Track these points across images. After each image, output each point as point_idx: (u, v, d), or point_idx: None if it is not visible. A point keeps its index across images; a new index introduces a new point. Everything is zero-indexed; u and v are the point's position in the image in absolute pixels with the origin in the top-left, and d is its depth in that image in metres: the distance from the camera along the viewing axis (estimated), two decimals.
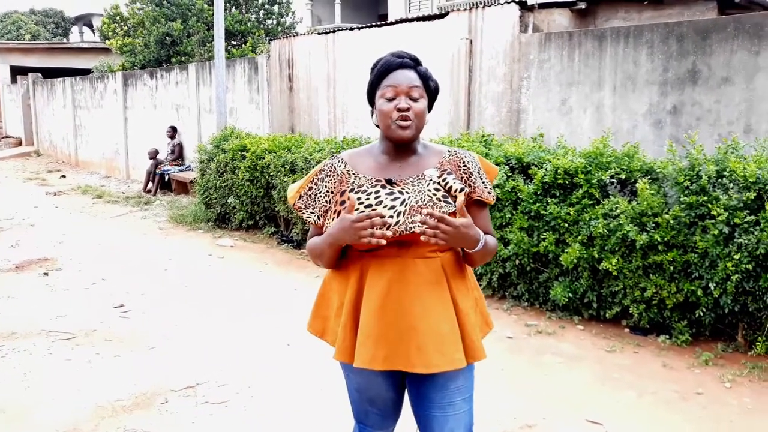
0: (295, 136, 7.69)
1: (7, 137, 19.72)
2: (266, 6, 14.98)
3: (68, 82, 15.41)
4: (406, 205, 1.80)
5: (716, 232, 3.82)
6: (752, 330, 4.03)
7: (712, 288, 3.89)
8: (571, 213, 4.46)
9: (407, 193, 1.83)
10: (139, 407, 3.42)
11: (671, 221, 4.02)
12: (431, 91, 1.87)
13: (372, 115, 1.91)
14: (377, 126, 1.87)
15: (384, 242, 1.74)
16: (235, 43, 14.32)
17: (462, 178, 1.89)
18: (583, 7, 6.73)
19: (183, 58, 13.51)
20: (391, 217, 1.78)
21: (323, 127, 8.83)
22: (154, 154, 11.45)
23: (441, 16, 7.13)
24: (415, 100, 1.81)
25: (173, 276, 5.98)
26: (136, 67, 14.12)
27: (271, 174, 7.03)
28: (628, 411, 3.37)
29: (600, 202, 4.45)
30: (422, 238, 1.71)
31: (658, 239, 4.03)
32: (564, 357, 4.06)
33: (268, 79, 9.75)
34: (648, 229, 4.12)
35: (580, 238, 4.41)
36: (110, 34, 14.98)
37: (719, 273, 3.83)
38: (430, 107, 1.88)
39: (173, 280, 5.85)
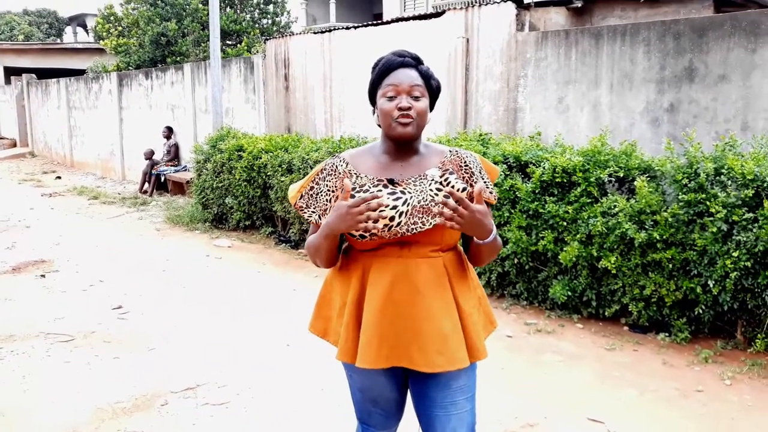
0: (292, 135, 7.68)
1: (1, 138, 19.64)
2: (261, 5, 14.95)
3: (63, 82, 15.36)
4: (408, 205, 1.79)
5: (715, 229, 3.83)
6: (751, 327, 4.04)
7: (711, 285, 3.90)
8: (570, 211, 4.46)
9: (409, 193, 1.82)
10: (139, 409, 3.40)
11: (670, 219, 4.03)
12: (433, 90, 1.86)
13: (374, 115, 1.90)
14: (379, 126, 1.86)
15: (380, 226, 1.72)
16: (230, 42, 14.28)
17: (464, 177, 1.88)
18: (580, 5, 6.74)
19: (178, 58, 13.47)
20: (393, 217, 1.77)
21: (320, 126, 8.82)
22: (149, 155, 11.42)
23: (437, 14, 7.13)
24: (416, 98, 1.80)
25: (171, 277, 5.96)
26: (131, 68, 14.07)
27: (268, 174, 7.02)
28: (629, 409, 3.37)
29: (598, 200, 4.46)
30: (438, 219, 1.69)
31: (657, 237, 4.04)
32: (564, 355, 4.06)
33: (264, 78, 9.74)
34: (647, 227, 4.12)
35: (578, 236, 4.41)
36: (105, 34, 14.93)
37: (718, 270, 3.84)
38: (431, 106, 1.87)
39: (171, 281, 5.83)
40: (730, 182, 3.89)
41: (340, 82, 8.38)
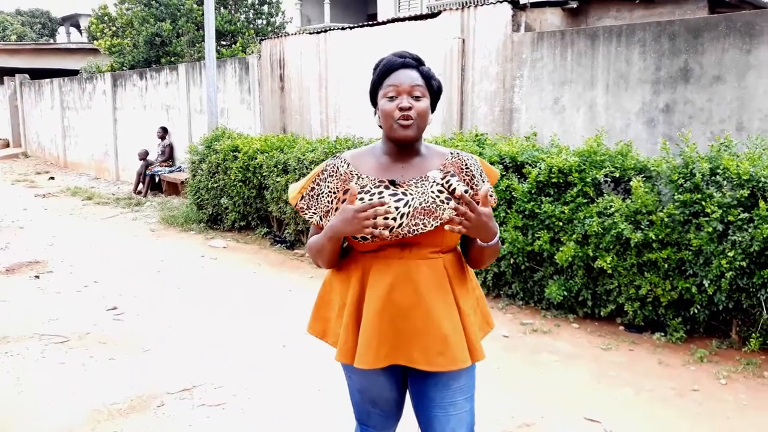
0: (288, 136, 7.66)
1: None
2: (256, 6, 14.93)
3: (56, 83, 15.29)
4: (409, 207, 1.79)
5: (710, 229, 3.84)
6: (746, 326, 4.06)
7: (707, 285, 3.91)
8: (566, 211, 4.47)
9: (411, 194, 1.81)
10: (135, 410, 3.39)
11: (665, 219, 4.04)
12: (434, 90, 1.86)
13: (375, 116, 1.90)
14: (380, 126, 1.86)
15: (386, 233, 1.73)
16: (224, 43, 14.26)
17: (465, 180, 1.88)
18: (575, 6, 6.76)
19: (173, 59, 13.43)
20: (395, 219, 1.77)
21: (315, 127, 8.81)
22: (144, 155, 11.38)
23: (433, 15, 7.13)
24: (417, 99, 1.80)
25: (166, 278, 5.94)
26: (125, 68, 14.03)
27: (264, 174, 7.00)
28: (625, 408, 3.38)
29: (594, 200, 4.47)
30: (446, 227, 1.71)
31: (653, 237, 4.05)
32: (560, 355, 4.07)
33: (259, 79, 9.72)
34: (642, 227, 4.14)
35: (574, 236, 4.42)
36: (98, 34, 14.87)
37: (713, 270, 3.86)
38: (433, 107, 1.87)
39: (166, 281, 5.81)
40: (725, 182, 3.90)
41: (336, 83, 8.37)
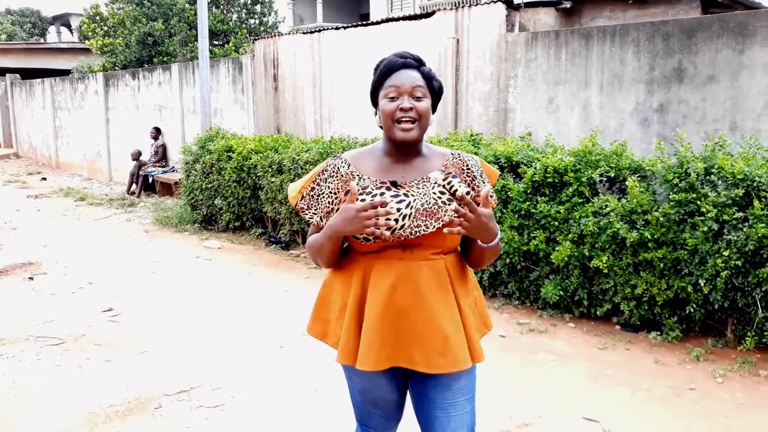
0: (282, 136, 7.65)
1: None
2: (248, 5, 14.90)
3: (47, 83, 15.20)
4: (411, 208, 1.79)
5: (705, 228, 3.86)
6: (741, 325, 4.08)
7: (702, 284, 3.93)
8: (561, 211, 4.48)
9: (412, 195, 1.81)
10: (133, 413, 3.37)
11: (661, 218, 4.06)
12: (435, 91, 1.86)
13: (375, 116, 1.90)
14: (381, 127, 1.86)
15: (387, 234, 1.72)
16: (217, 42, 14.22)
17: (466, 181, 1.88)
18: (569, 6, 6.78)
19: (165, 59, 13.38)
20: (396, 220, 1.77)
21: (309, 127, 8.79)
22: (137, 156, 11.33)
23: (427, 15, 7.14)
24: (418, 99, 1.79)
25: (161, 279, 5.92)
26: (117, 68, 13.96)
27: (258, 174, 6.99)
28: (622, 408, 3.39)
29: (590, 200, 4.48)
30: (445, 230, 1.72)
31: (648, 236, 4.07)
32: (556, 355, 4.08)
33: (252, 79, 9.70)
34: (638, 226, 4.15)
35: (570, 236, 4.43)
36: (90, 34, 14.80)
37: (709, 269, 3.88)
38: (434, 108, 1.87)
39: (161, 282, 5.79)
40: (720, 182, 3.92)
41: (330, 83, 8.36)
